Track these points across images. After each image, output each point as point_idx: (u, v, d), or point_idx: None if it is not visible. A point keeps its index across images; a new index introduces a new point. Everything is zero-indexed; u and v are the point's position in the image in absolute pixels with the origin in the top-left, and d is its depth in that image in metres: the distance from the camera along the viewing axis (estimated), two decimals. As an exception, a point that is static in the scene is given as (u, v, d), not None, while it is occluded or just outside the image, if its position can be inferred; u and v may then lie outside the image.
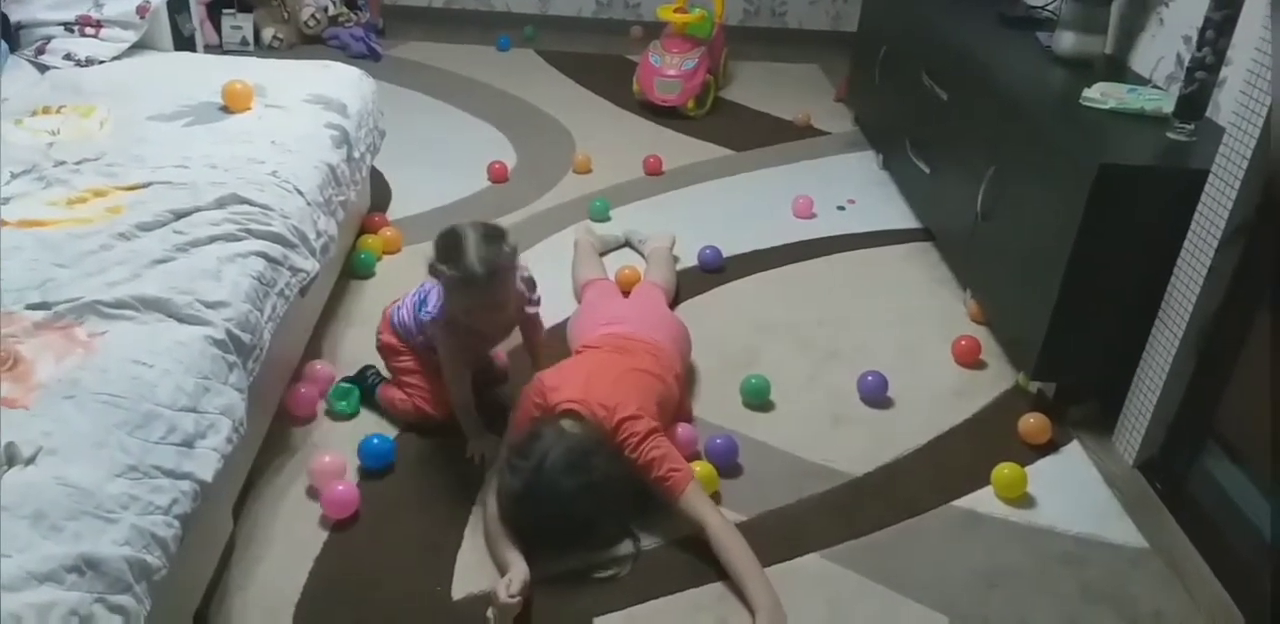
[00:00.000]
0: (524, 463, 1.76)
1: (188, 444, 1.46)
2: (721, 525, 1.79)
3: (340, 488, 1.87)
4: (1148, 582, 1.85)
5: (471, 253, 1.83)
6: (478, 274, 1.83)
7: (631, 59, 4.43)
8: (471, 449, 2.05)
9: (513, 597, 1.64)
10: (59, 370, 1.46)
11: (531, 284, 2.10)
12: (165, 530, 1.34)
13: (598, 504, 1.78)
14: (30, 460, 1.29)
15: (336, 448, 2.03)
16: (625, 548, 1.83)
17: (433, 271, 1.90)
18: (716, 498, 1.94)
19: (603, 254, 2.85)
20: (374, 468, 1.98)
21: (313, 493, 1.91)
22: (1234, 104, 1.85)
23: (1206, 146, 2.02)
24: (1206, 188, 1.93)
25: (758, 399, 2.27)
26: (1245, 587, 1.76)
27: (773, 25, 5.12)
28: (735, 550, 1.76)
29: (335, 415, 2.14)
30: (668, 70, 3.94)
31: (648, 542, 1.85)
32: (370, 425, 2.12)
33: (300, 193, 2.14)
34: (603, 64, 4.54)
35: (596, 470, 1.75)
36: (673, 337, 2.22)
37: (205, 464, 1.47)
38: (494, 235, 1.88)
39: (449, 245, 1.86)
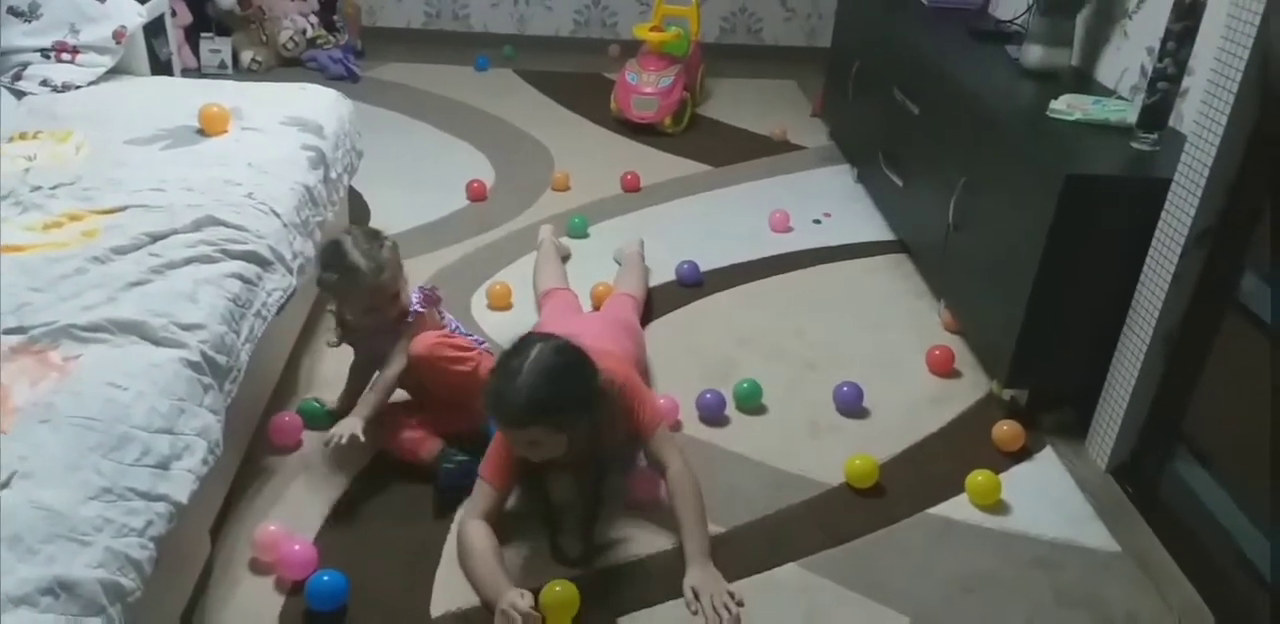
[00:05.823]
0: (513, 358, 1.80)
1: (163, 466, 1.47)
2: (681, 471, 1.88)
3: (296, 548, 1.78)
4: (1121, 585, 1.87)
5: (353, 252, 1.98)
6: (362, 268, 1.97)
7: (609, 77, 4.47)
8: (337, 428, 1.96)
9: (531, 606, 1.64)
10: (34, 394, 1.47)
11: (431, 298, 2.13)
12: (140, 553, 1.35)
13: (575, 389, 1.79)
14: (5, 484, 1.30)
15: (320, 466, 2.05)
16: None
17: (321, 284, 2.05)
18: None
19: (565, 258, 2.90)
20: (325, 610, 1.71)
21: (288, 519, 1.91)
22: (1195, 113, 1.89)
23: (1169, 155, 2.06)
24: (1169, 195, 1.96)
25: (751, 403, 2.30)
26: (1216, 588, 1.78)
27: (749, 42, 5.17)
28: (688, 499, 1.85)
29: (311, 425, 2.13)
30: (644, 88, 3.97)
31: (630, 553, 1.86)
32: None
33: (276, 214, 2.15)
34: (580, 83, 4.58)
35: (579, 367, 1.82)
36: (625, 350, 2.19)
37: (180, 486, 1.48)
38: (372, 234, 2.05)
39: (329, 251, 2.02)
